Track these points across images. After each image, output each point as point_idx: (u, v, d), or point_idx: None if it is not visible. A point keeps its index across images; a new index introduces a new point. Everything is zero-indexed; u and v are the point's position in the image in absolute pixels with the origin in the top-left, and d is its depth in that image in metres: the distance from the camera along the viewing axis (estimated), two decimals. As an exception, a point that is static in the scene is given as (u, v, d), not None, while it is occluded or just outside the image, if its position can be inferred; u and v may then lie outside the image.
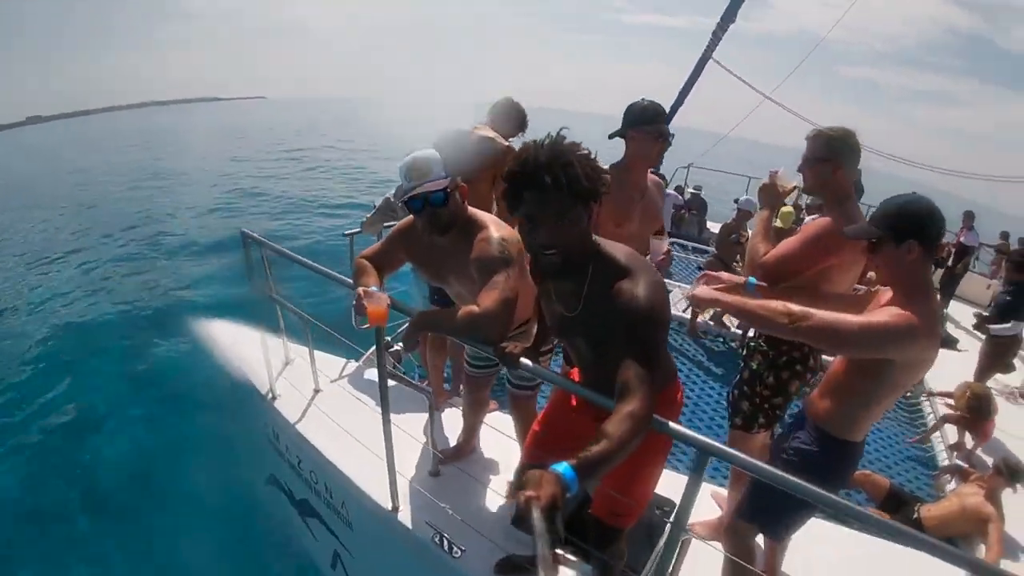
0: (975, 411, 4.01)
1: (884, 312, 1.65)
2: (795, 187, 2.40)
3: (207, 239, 11.88)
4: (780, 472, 1.37)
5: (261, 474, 3.78)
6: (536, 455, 1.97)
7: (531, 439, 2.07)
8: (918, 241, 1.64)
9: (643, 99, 2.52)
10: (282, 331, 3.42)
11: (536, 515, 1.06)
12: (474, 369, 2.68)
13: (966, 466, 3.82)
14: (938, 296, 1.74)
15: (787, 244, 2.23)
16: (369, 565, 2.89)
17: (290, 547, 3.73)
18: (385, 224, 3.89)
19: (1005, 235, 10.57)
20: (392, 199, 3.85)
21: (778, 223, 5.64)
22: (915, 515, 3.43)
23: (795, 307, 1.70)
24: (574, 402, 1.94)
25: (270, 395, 3.32)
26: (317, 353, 3.35)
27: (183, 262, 10.52)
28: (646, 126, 2.49)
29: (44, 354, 6.88)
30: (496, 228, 2.04)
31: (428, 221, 2.05)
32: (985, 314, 5.01)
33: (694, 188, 10.53)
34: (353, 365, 3.79)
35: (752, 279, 2.15)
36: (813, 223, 2.24)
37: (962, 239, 9.00)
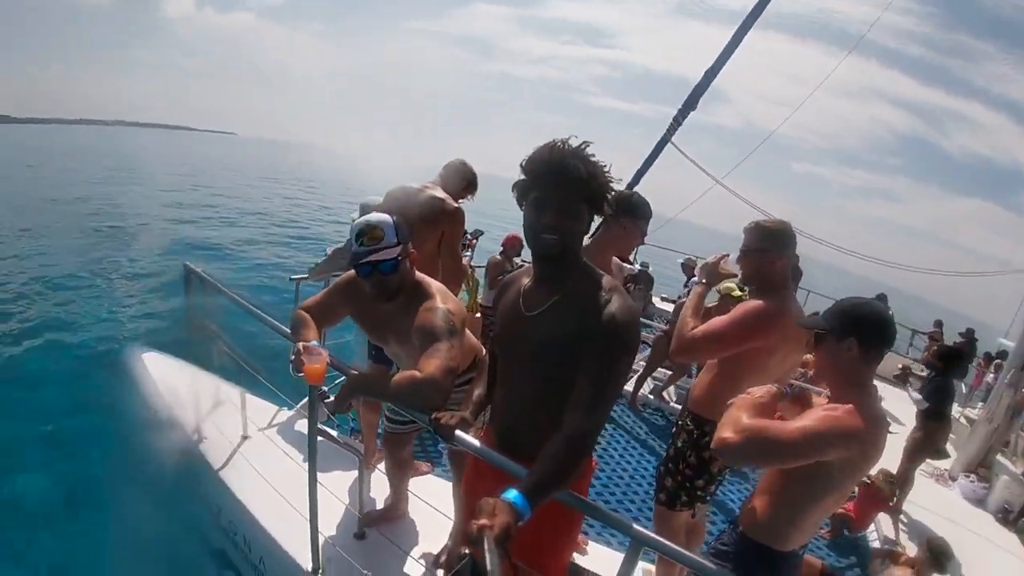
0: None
1: (818, 411, 1.63)
2: (735, 274, 2.48)
3: (152, 267, 11.43)
4: (708, 564, 1.36)
5: (176, 518, 3.58)
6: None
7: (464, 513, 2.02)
8: (858, 340, 1.65)
9: (636, 192, 2.52)
10: (215, 370, 3.30)
11: (488, 544, 1.07)
12: (394, 425, 2.61)
13: (896, 549, 3.89)
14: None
15: (716, 321, 2.28)
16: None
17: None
18: (333, 274, 3.81)
19: (939, 323, 11.07)
20: (342, 250, 3.77)
21: (734, 295, 5.82)
22: None
23: (730, 423, 1.65)
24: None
25: (195, 436, 3.17)
26: (249, 397, 3.24)
27: (124, 288, 10.04)
28: (641, 220, 2.49)
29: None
30: (442, 299, 2.02)
31: (376, 287, 2.01)
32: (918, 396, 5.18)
33: (641, 264, 10.74)
34: (285, 413, 3.67)
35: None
36: (743, 304, 2.30)
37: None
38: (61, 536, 4.30)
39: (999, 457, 5.85)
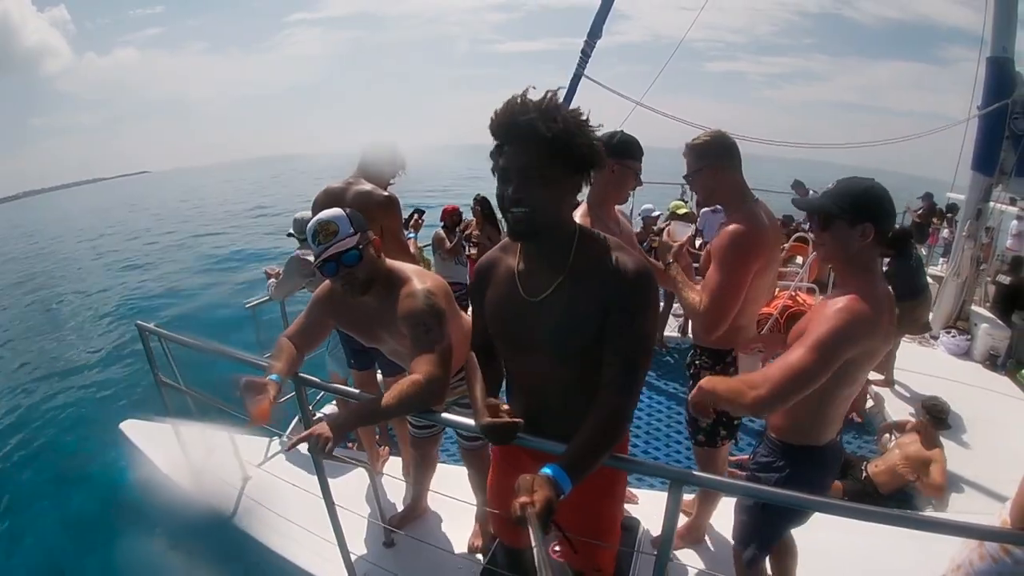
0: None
1: (823, 314, 1.57)
2: (689, 237, 2.49)
3: (105, 333, 10.95)
4: (751, 485, 1.35)
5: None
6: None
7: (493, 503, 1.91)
8: (873, 224, 1.58)
9: (621, 131, 2.37)
10: (195, 416, 3.17)
11: (532, 521, 1.05)
12: (419, 431, 2.56)
13: (900, 419, 4.00)
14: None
15: (711, 277, 2.16)
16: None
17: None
18: (297, 288, 3.65)
19: (928, 196, 10.62)
20: (295, 260, 3.59)
21: (681, 211, 5.85)
22: (864, 474, 3.55)
23: (754, 378, 1.58)
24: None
25: (200, 492, 3.05)
26: (238, 438, 3.12)
27: (83, 362, 9.60)
28: (631, 160, 2.35)
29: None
30: (419, 279, 1.93)
31: (346, 282, 1.91)
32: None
33: None
34: (278, 443, 3.56)
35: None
36: (721, 236, 2.16)
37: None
38: None
39: (974, 307, 6.04)
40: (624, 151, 2.31)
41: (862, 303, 1.54)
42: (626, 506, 2.85)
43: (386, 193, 2.93)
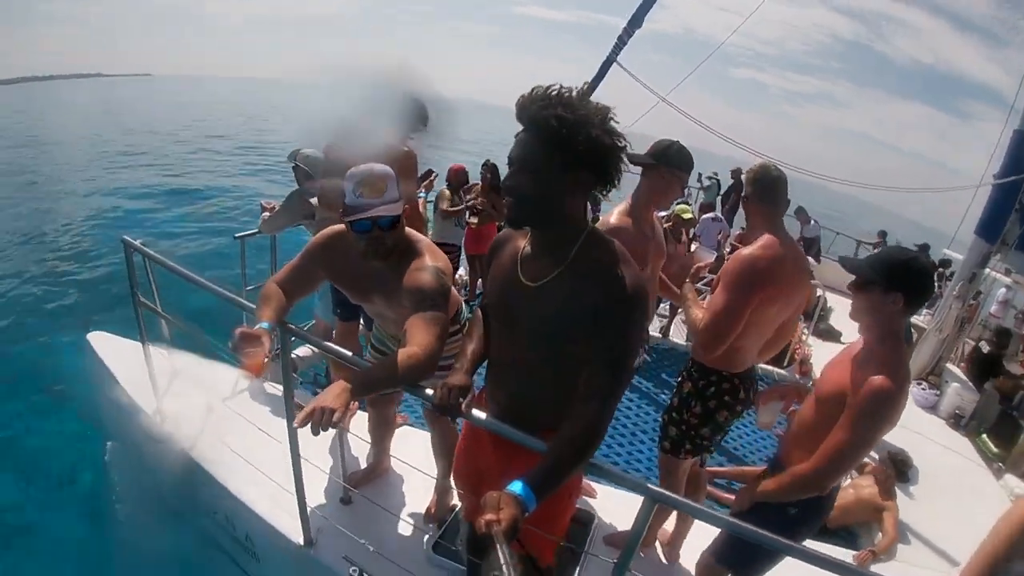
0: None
1: (866, 401, 1.66)
2: (709, 263, 2.64)
3: (88, 239, 10.60)
4: (730, 520, 1.35)
5: (148, 497, 3.42)
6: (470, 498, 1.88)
7: (459, 480, 1.96)
8: (904, 296, 1.69)
9: (678, 142, 2.38)
10: (168, 342, 3.09)
11: (499, 538, 1.08)
12: None
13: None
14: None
15: (715, 299, 2.19)
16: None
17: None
18: (293, 225, 3.55)
19: (882, 233, 11.50)
20: (297, 195, 3.49)
21: (686, 215, 5.83)
22: None
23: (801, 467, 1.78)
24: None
25: (157, 417, 2.98)
26: (209, 366, 3.05)
27: (62, 266, 9.33)
28: (681, 171, 2.37)
29: None
30: (431, 257, 1.90)
31: (371, 245, 1.86)
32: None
33: None
34: (244, 378, 3.44)
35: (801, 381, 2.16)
36: (732, 259, 2.20)
37: (804, 233, 9.67)
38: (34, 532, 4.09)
39: (949, 365, 6.13)
40: (677, 161, 2.35)
41: (892, 383, 1.64)
42: (583, 498, 2.88)
43: (405, 148, 2.86)
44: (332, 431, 1.49)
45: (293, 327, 1.99)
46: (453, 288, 2.08)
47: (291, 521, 2.33)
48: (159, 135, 26.61)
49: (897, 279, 1.69)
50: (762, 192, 2.24)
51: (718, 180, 11.78)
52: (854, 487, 3.62)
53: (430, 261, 1.87)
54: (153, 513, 3.41)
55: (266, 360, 1.73)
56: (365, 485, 2.73)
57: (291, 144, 3.77)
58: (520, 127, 1.35)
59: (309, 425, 1.35)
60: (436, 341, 1.67)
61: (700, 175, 12.78)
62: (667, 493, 1.41)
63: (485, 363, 1.71)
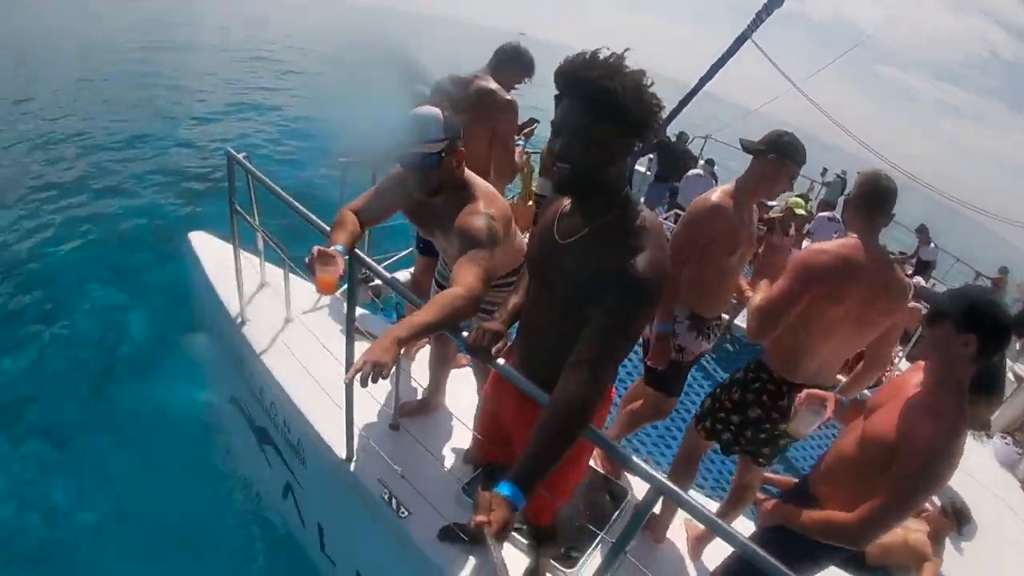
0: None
1: (916, 457, 1.56)
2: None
3: (201, 147, 11.08)
4: (750, 545, 1.30)
5: (224, 393, 3.74)
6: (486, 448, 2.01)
7: (480, 426, 2.07)
8: (978, 339, 1.56)
9: (791, 133, 2.37)
10: (260, 253, 3.32)
11: (490, 540, 1.13)
12: None
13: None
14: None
15: (776, 286, 2.18)
16: (319, 504, 2.90)
17: (243, 470, 3.74)
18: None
19: (1004, 270, 10.34)
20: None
21: (798, 210, 5.55)
22: None
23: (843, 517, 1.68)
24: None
25: (239, 319, 3.24)
26: (293, 279, 3.25)
27: (174, 167, 9.89)
28: (792, 163, 2.36)
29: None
30: (487, 203, 1.97)
31: (418, 181, 1.98)
32: None
33: (706, 161, 10.26)
34: (329, 296, 3.68)
35: (844, 399, 2.04)
36: (796, 257, 2.20)
37: (921, 254, 8.90)
38: (111, 405, 4.57)
39: (1041, 424, 5.64)
40: (790, 152, 2.33)
41: (943, 438, 1.55)
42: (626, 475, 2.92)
43: (508, 96, 2.92)
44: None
45: (361, 255, 2.10)
46: (519, 236, 2.17)
47: (338, 436, 2.50)
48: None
49: (975, 319, 1.55)
50: (865, 198, 2.14)
51: (844, 179, 11.02)
52: (904, 528, 3.46)
53: (483, 207, 1.94)
54: (224, 404, 3.73)
55: (338, 279, 1.86)
56: (415, 416, 2.87)
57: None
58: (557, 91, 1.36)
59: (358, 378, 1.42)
60: (479, 283, 1.74)
61: (825, 170, 11.98)
62: (673, 488, 1.37)
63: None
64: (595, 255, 1.40)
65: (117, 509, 3.71)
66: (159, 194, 8.62)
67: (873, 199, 2.13)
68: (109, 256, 6.65)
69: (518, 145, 3.38)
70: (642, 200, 1.64)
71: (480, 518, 1.13)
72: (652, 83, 1.31)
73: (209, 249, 3.80)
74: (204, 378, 4.24)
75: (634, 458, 1.41)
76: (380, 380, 1.42)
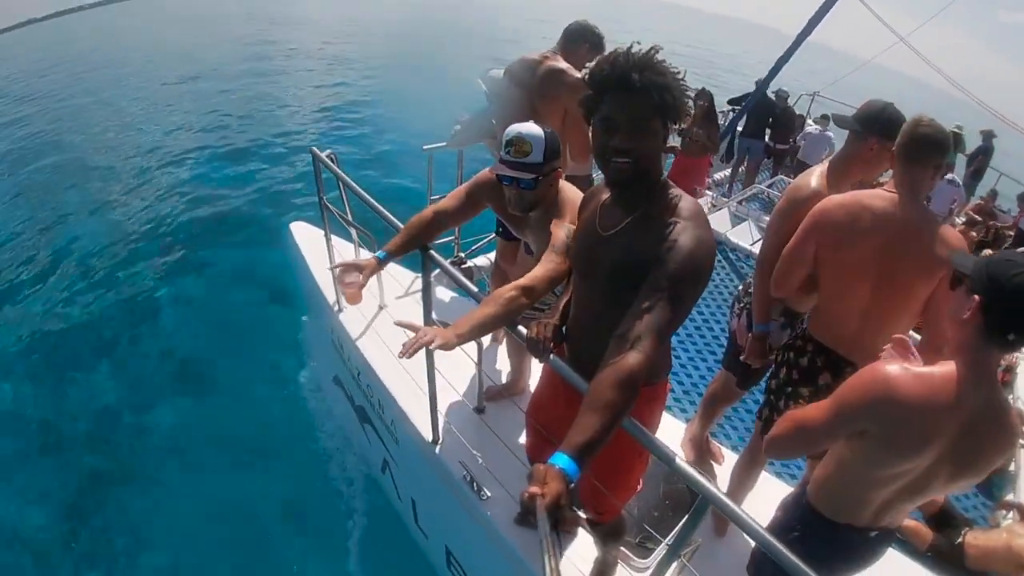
0: None
1: (854, 378, 1.49)
2: None
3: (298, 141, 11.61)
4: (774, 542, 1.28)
5: (328, 372, 4.04)
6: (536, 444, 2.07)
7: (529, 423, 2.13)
8: (981, 302, 1.31)
9: (891, 104, 2.17)
10: (355, 242, 3.52)
11: (541, 513, 1.07)
12: None
13: None
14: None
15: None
16: (411, 480, 3.10)
17: (348, 443, 4.04)
18: (476, 142, 3.73)
19: None
20: (480, 115, 3.65)
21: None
22: (960, 539, 3.20)
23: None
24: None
25: (336, 306, 3.46)
26: (386, 267, 3.41)
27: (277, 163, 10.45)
28: (891, 142, 2.12)
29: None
30: (572, 216, 1.98)
31: (512, 200, 2.05)
32: None
33: (821, 117, 9.49)
34: (421, 281, 3.83)
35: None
36: None
37: (1020, 223, 7.32)
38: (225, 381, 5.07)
39: None
40: (892, 132, 2.05)
41: (897, 378, 1.39)
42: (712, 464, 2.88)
43: (578, 75, 2.88)
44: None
45: (434, 254, 2.19)
46: None
47: (426, 419, 2.64)
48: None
49: (988, 283, 1.29)
50: (900, 148, 1.95)
51: (962, 135, 9.74)
52: (1009, 532, 3.13)
53: (568, 218, 1.99)
54: (329, 383, 4.04)
55: (359, 288, 2.13)
56: (499, 400, 2.97)
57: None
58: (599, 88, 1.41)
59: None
60: (541, 283, 1.82)
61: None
62: (717, 494, 1.35)
63: None
64: (638, 242, 1.44)
65: (235, 476, 4.18)
66: (269, 187, 9.29)
67: (909, 150, 1.93)
68: (225, 245, 7.34)
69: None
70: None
71: (533, 489, 1.10)
72: (676, 69, 1.40)
73: (309, 238, 4.07)
74: (311, 358, 4.59)
75: (678, 460, 1.40)
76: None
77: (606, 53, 1.42)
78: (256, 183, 9.22)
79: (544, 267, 1.86)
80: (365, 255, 3.69)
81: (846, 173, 2.21)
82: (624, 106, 1.37)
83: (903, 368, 1.40)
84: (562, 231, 1.94)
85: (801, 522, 1.70)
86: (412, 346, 1.60)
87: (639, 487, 1.92)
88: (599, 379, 1.29)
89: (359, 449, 3.81)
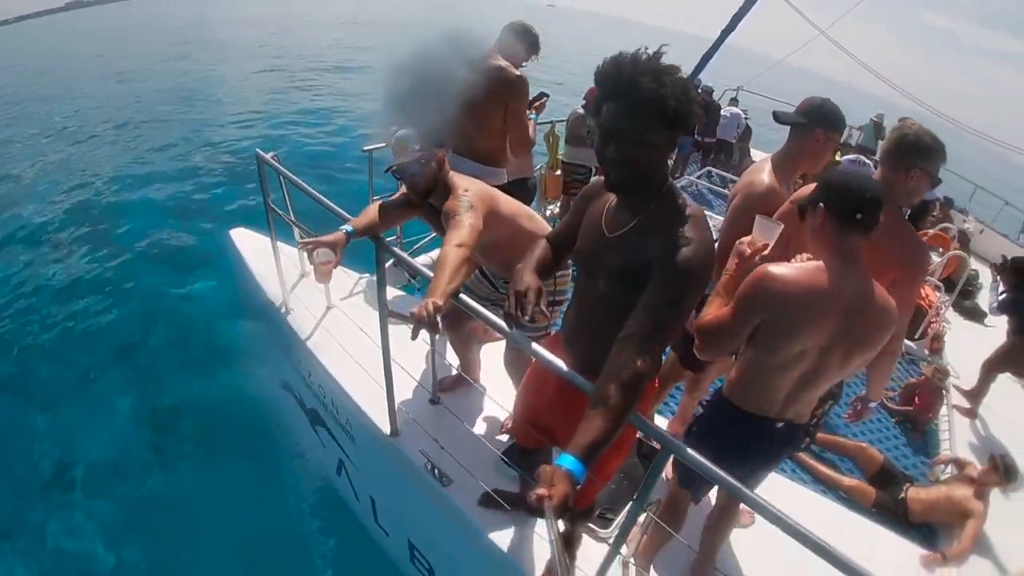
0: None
1: (745, 281, 1.73)
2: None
3: (235, 144, 11.41)
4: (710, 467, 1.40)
5: (275, 378, 3.96)
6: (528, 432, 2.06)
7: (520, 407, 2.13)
8: (825, 207, 1.70)
9: (828, 99, 2.27)
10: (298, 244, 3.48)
11: (549, 514, 1.09)
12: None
13: (963, 457, 3.74)
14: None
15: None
16: (369, 478, 3.07)
17: (300, 449, 3.97)
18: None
19: None
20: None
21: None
22: (902, 495, 3.43)
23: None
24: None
25: (283, 309, 3.41)
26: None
27: (210, 169, 10.23)
28: (835, 133, 2.27)
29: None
30: (464, 189, 2.27)
31: (409, 188, 2.36)
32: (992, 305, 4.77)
33: (731, 101, 9.96)
34: (366, 281, 3.84)
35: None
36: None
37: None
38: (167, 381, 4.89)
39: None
40: (835, 123, 2.24)
41: (772, 271, 1.67)
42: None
43: (517, 72, 2.98)
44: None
45: (386, 243, 2.26)
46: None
47: (382, 413, 2.64)
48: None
49: (823, 191, 1.72)
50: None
51: (882, 123, 10.42)
52: (948, 485, 3.37)
53: (462, 191, 2.25)
54: (277, 389, 3.96)
55: (334, 265, 2.28)
56: (453, 390, 3.01)
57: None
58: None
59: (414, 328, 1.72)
60: (460, 232, 2.04)
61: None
62: (682, 446, 1.44)
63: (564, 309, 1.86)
64: (643, 244, 1.46)
65: (184, 488, 4.05)
66: (200, 192, 8.99)
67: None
68: (161, 257, 7.05)
69: (530, 119, 3.43)
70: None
71: (541, 491, 1.12)
72: (683, 73, 1.38)
73: (251, 244, 3.98)
74: (257, 366, 4.49)
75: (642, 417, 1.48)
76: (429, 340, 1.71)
77: (612, 56, 1.39)
78: (185, 193, 8.94)
79: (458, 225, 2.06)
80: (307, 256, 3.67)
81: (794, 167, 2.32)
82: (621, 117, 1.37)
83: (784, 264, 1.70)
84: (456, 199, 2.18)
85: (719, 413, 1.93)
86: (425, 321, 1.69)
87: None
88: (605, 380, 1.32)
89: (312, 453, 3.75)
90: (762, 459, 1.97)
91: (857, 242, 1.69)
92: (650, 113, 1.34)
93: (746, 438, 1.88)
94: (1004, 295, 4.61)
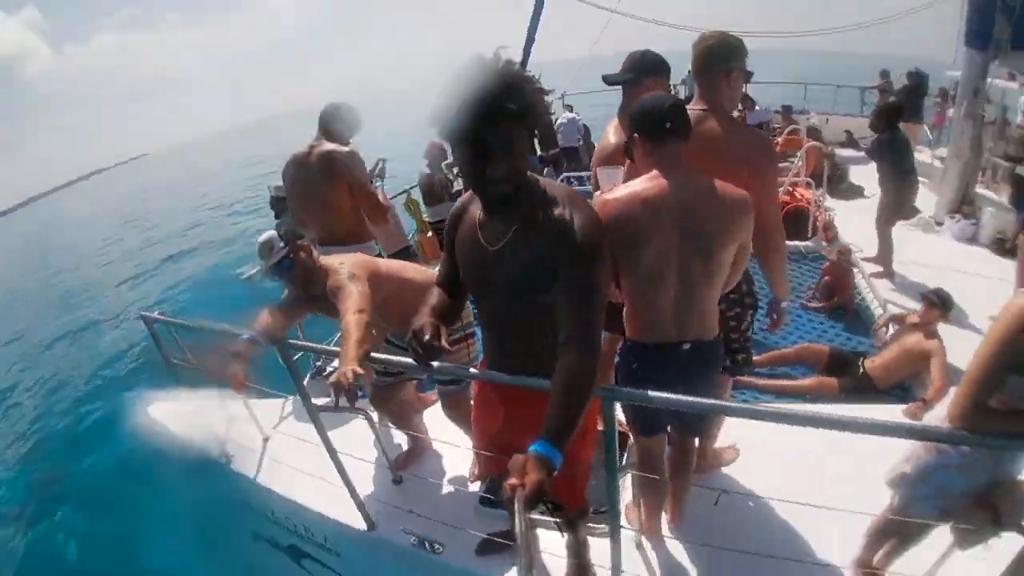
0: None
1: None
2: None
3: (118, 326, 11.41)
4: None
5: (244, 534, 3.74)
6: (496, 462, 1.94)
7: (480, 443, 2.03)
8: (638, 135, 1.82)
9: (650, 50, 2.37)
10: (214, 394, 3.35)
11: (518, 506, 1.07)
12: (378, 377, 2.73)
13: (899, 312, 3.90)
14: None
15: None
16: (367, 582, 2.92)
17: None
18: None
19: (885, 73, 10.78)
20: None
21: None
22: (861, 370, 3.53)
23: None
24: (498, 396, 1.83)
25: (224, 459, 3.26)
26: (253, 402, 3.28)
27: (103, 348, 10.09)
28: (663, 79, 2.35)
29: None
30: (339, 264, 2.39)
31: (290, 284, 2.47)
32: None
33: (565, 106, 10.22)
34: (291, 402, 3.72)
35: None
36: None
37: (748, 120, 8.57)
38: None
39: (979, 189, 5.86)
40: (662, 69, 2.37)
41: (611, 197, 1.81)
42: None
43: (346, 149, 3.07)
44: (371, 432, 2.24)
45: (293, 341, 2.35)
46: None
47: (353, 512, 2.55)
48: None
49: (632, 120, 1.84)
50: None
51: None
52: (898, 343, 3.49)
53: (339, 268, 2.36)
54: (250, 544, 3.73)
55: (243, 371, 2.26)
56: (410, 466, 2.95)
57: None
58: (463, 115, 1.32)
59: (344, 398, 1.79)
60: (352, 298, 2.18)
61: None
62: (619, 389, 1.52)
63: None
64: (531, 246, 1.45)
65: None
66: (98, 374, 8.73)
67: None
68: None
69: (377, 187, 3.53)
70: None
71: (513, 481, 1.10)
72: (530, 71, 1.40)
73: (170, 413, 3.80)
74: (219, 532, 4.24)
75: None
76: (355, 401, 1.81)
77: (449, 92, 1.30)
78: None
79: (348, 296, 2.19)
80: (230, 403, 3.53)
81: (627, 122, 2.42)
82: (496, 136, 1.32)
83: (616, 189, 1.87)
84: (335, 276, 2.31)
85: (628, 354, 1.97)
86: (344, 387, 1.78)
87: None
88: (559, 379, 1.32)
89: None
90: (687, 384, 1.81)
91: (676, 148, 1.79)
92: (521, 125, 1.34)
93: (661, 368, 1.88)
94: (877, 140, 4.83)
